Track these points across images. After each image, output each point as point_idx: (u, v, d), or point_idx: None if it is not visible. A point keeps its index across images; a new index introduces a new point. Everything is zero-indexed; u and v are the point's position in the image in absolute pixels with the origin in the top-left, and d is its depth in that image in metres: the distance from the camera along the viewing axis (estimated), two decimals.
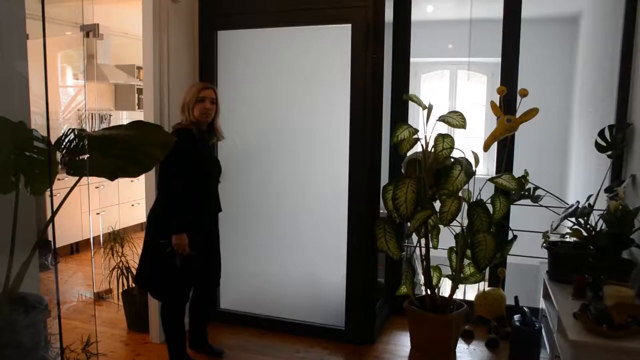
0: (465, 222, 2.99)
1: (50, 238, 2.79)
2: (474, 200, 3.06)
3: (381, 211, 3.30)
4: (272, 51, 3.39)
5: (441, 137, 2.95)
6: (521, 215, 3.49)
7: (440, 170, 3.01)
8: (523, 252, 3.38)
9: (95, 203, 5.24)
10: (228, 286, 3.56)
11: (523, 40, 3.40)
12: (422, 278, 3.30)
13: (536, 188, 3.18)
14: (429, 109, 3.03)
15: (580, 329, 2.14)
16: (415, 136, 3.04)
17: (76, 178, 2.22)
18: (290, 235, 3.47)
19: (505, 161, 3.32)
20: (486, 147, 3.14)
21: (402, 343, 3.37)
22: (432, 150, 2.96)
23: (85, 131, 2.37)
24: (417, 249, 3.25)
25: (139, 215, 5.95)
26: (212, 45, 3.45)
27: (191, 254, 2.78)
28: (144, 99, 3.28)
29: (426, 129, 3.02)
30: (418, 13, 4.16)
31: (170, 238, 2.72)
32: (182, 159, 2.69)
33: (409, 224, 2.98)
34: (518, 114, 3.09)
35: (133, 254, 3.62)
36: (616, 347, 2.03)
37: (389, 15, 3.50)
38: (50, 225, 2.22)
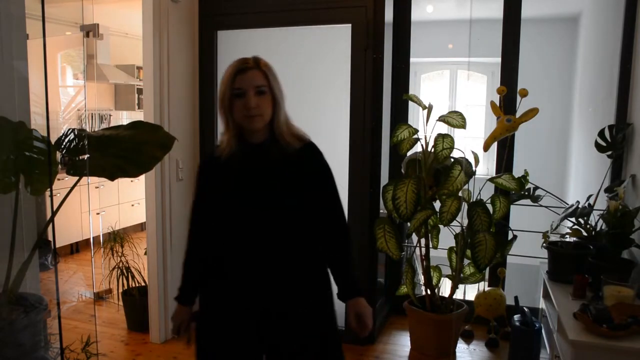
0: (465, 222, 2.99)
1: (50, 238, 2.79)
2: (474, 200, 3.06)
3: (381, 211, 3.30)
4: (271, 51, 3.39)
5: (441, 137, 2.95)
6: (521, 215, 3.49)
7: (440, 170, 3.01)
8: (523, 252, 3.38)
9: (95, 203, 5.24)
10: None
11: (523, 40, 3.40)
12: (422, 278, 3.30)
13: (536, 188, 3.18)
14: (429, 109, 3.03)
15: (580, 329, 2.14)
16: (415, 136, 3.04)
17: (76, 178, 2.22)
18: None
19: (505, 161, 3.32)
20: (486, 147, 3.14)
21: (402, 343, 3.37)
22: (432, 150, 2.96)
23: (85, 131, 2.37)
24: (417, 249, 3.25)
25: (139, 215, 5.95)
26: (211, 45, 3.45)
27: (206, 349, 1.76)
28: (144, 99, 3.28)
29: (426, 129, 3.02)
30: (418, 13, 4.17)
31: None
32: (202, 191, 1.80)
33: (409, 224, 2.98)
34: (518, 114, 3.09)
35: (133, 254, 3.62)
36: (616, 347, 2.03)
37: (389, 15, 3.50)
38: (50, 225, 2.22)
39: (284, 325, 1.71)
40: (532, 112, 2.96)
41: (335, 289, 1.77)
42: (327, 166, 1.79)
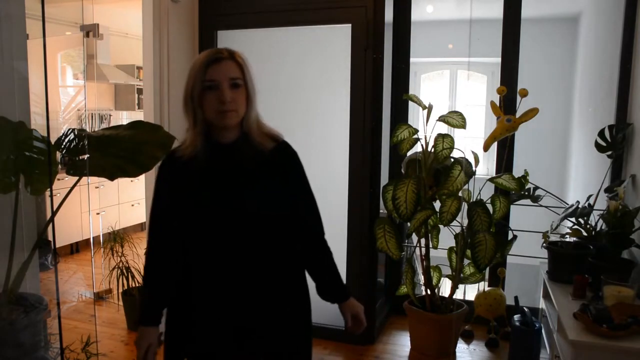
0: (465, 222, 2.99)
1: (50, 238, 2.79)
2: (474, 200, 3.06)
3: (381, 211, 3.30)
4: (271, 51, 3.39)
5: (441, 137, 2.95)
6: (521, 215, 3.49)
7: (440, 170, 3.01)
8: (523, 252, 3.38)
9: (95, 203, 5.24)
10: None
11: (523, 40, 3.40)
12: (422, 278, 3.30)
13: (536, 188, 3.18)
14: (429, 109, 3.03)
15: (580, 329, 2.14)
16: (415, 136, 3.04)
17: (76, 178, 2.22)
18: None
19: (505, 161, 3.32)
20: (486, 147, 3.14)
21: (402, 343, 3.37)
22: (432, 150, 2.96)
23: (85, 131, 2.37)
24: (417, 249, 3.25)
25: (139, 215, 5.95)
26: (211, 45, 3.45)
27: None
28: (144, 99, 3.28)
29: (426, 129, 3.02)
30: (418, 13, 4.17)
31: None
32: (168, 194, 1.58)
33: (409, 224, 2.98)
34: (518, 114, 3.09)
35: (133, 254, 3.62)
36: (616, 347, 2.03)
37: (389, 15, 3.50)
38: (50, 225, 2.22)
39: (262, 345, 1.58)
40: (532, 112, 2.96)
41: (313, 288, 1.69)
42: (302, 167, 1.65)
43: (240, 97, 1.49)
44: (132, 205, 5.99)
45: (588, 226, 2.84)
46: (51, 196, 2.11)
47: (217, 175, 1.54)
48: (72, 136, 2.26)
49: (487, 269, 3.11)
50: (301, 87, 3.35)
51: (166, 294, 1.58)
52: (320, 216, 1.68)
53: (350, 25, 3.13)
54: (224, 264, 1.54)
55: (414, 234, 3.15)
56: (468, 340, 3.40)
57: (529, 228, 3.31)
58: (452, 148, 2.94)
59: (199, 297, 1.56)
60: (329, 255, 1.69)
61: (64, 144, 2.25)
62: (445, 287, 3.38)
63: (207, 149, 1.51)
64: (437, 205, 3.05)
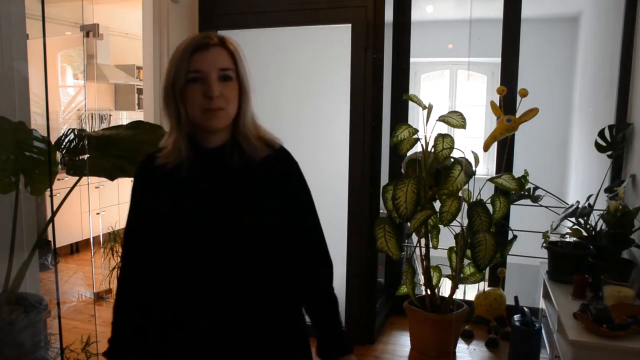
0: (465, 222, 2.99)
1: (50, 238, 2.79)
2: (474, 200, 3.06)
3: (381, 211, 3.30)
4: (272, 51, 3.39)
5: (441, 137, 2.95)
6: (521, 215, 3.49)
7: (440, 170, 3.01)
8: (523, 252, 3.38)
9: (95, 203, 5.24)
10: None
11: (523, 40, 3.40)
12: (422, 278, 3.30)
13: (536, 188, 3.18)
14: (429, 109, 3.03)
15: (580, 329, 2.14)
16: (415, 136, 3.04)
17: (76, 178, 2.22)
18: None
19: (505, 161, 3.32)
20: (486, 147, 3.14)
21: (402, 343, 3.37)
22: (432, 150, 2.96)
23: (85, 131, 2.37)
24: (417, 249, 3.25)
25: None
26: None
27: None
28: (143, 99, 3.28)
29: (426, 129, 3.02)
30: (418, 13, 4.17)
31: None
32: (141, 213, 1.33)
33: (409, 224, 2.98)
34: (518, 114, 3.09)
35: None
36: (616, 347, 2.03)
37: (389, 15, 3.50)
38: (50, 225, 2.22)
39: None
40: (532, 112, 2.96)
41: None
42: (304, 181, 1.36)
43: (231, 93, 1.22)
44: None
45: (588, 226, 2.84)
46: (51, 196, 2.11)
47: (203, 190, 1.26)
48: (72, 136, 2.26)
49: (487, 269, 3.11)
50: (301, 87, 3.35)
51: (138, 327, 1.34)
52: (325, 244, 1.38)
53: (350, 25, 3.13)
54: (209, 297, 1.25)
55: (414, 234, 3.15)
56: (468, 340, 3.40)
57: (529, 228, 3.31)
58: (452, 148, 2.94)
59: (179, 335, 1.28)
60: (332, 297, 1.38)
61: (64, 144, 2.25)
62: (445, 287, 3.38)
63: (192, 156, 1.25)
64: (437, 205, 3.05)
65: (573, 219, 2.86)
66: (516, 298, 3.13)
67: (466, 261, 3.15)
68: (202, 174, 1.27)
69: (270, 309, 1.29)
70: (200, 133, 1.26)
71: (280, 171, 1.31)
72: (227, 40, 1.27)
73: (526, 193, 3.17)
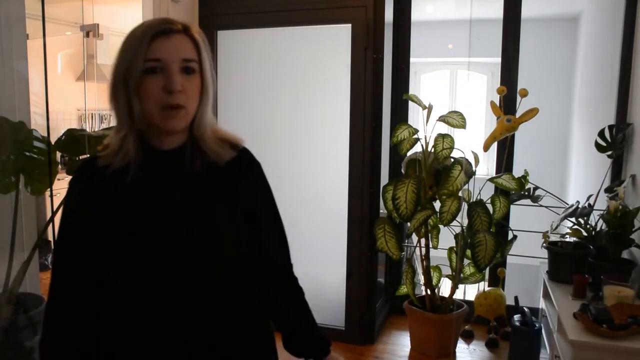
0: (465, 222, 2.99)
1: (50, 238, 2.79)
2: (474, 200, 3.06)
3: (381, 211, 3.30)
4: (272, 51, 3.39)
5: (441, 137, 2.95)
6: (521, 215, 3.49)
7: (440, 170, 3.01)
8: (523, 252, 3.38)
9: None
10: None
11: (523, 40, 3.40)
12: (422, 278, 3.30)
13: (536, 188, 3.18)
14: (429, 109, 3.03)
15: (580, 329, 2.14)
16: (415, 136, 3.04)
17: None
18: (290, 235, 3.45)
19: (505, 161, 3.32)
20: (486, 147, 3.14)
21: (402, 343, 3.37)
22: (432, 150, 2.96)
23: (85, 131, 2.37)
24: (417, 249, 3.25)
25: None
26: (212, 45, 3.43)
27: None
28: None
29: (426, 129, 3.02)
30: (418, 13, 4.16)
31: None
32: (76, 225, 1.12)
33: (409, 224, 2.98)
34: (518, 114, 3.09)
35: None
36: (616, 347, 2.03)
37: (389, 15, 3.50)
38: (50, 225, 2.22)
39: None
40: (532, 112, 2.96)
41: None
42: (267, 183, 1.29)
43: (193, 88, 1.08)
44: None
45: (588, 226, 2.84)
46: (51, 196, 2.11)
47: (158, 198, 1.11)
48: (72, 136, 2.26)
49: (487, 269, 3.11)
50: (301, 87, 3.35)
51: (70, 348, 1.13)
52: (288, 247, 1.33)
53: (350, 25, 3.13)
54: (166, 324, 1.09)
55: (414, 234, 3.15)
56: (468, 340, 3.40)
57: (529, 228, 3.31)
58: (452, 148, 2.94)
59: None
60: (300, 294, 1.32)
61: (64, 144, 2.25)
62: (445, 287, 3.38)
63: (142, 159, 1.10)
64: (437, 205, 3.05)
65: (573, 219, 2.86)
66: (516, 298, 3.13)
67: (466, 261, 3.15)
68: (161, 179, 1.12)
69: (233, 327, 1.16)
70: (153, 132, 1.11)
71: (246, 175, 1.22)
72: (192, 27, 1.10)
73: (526, 193, 3.17)
